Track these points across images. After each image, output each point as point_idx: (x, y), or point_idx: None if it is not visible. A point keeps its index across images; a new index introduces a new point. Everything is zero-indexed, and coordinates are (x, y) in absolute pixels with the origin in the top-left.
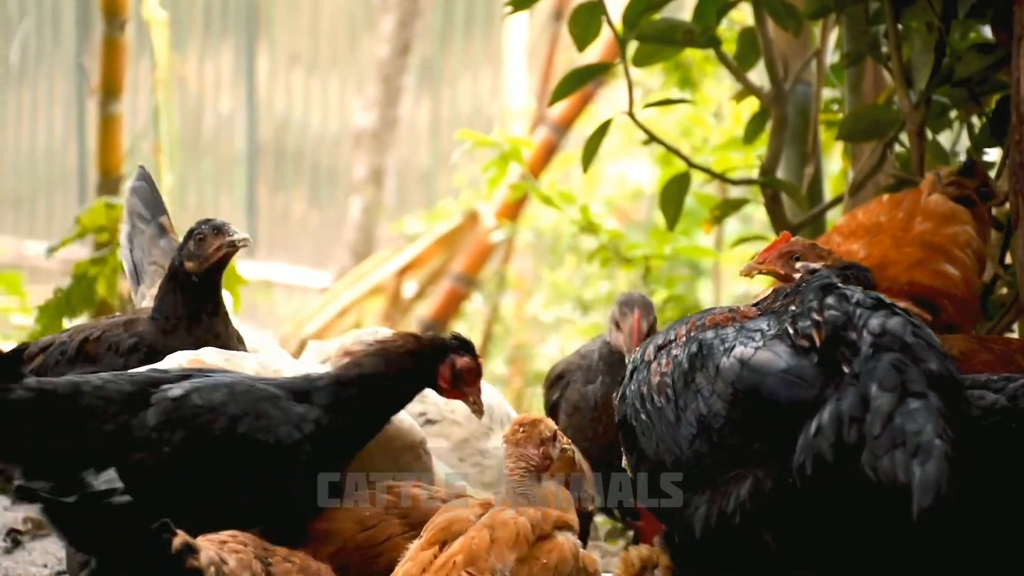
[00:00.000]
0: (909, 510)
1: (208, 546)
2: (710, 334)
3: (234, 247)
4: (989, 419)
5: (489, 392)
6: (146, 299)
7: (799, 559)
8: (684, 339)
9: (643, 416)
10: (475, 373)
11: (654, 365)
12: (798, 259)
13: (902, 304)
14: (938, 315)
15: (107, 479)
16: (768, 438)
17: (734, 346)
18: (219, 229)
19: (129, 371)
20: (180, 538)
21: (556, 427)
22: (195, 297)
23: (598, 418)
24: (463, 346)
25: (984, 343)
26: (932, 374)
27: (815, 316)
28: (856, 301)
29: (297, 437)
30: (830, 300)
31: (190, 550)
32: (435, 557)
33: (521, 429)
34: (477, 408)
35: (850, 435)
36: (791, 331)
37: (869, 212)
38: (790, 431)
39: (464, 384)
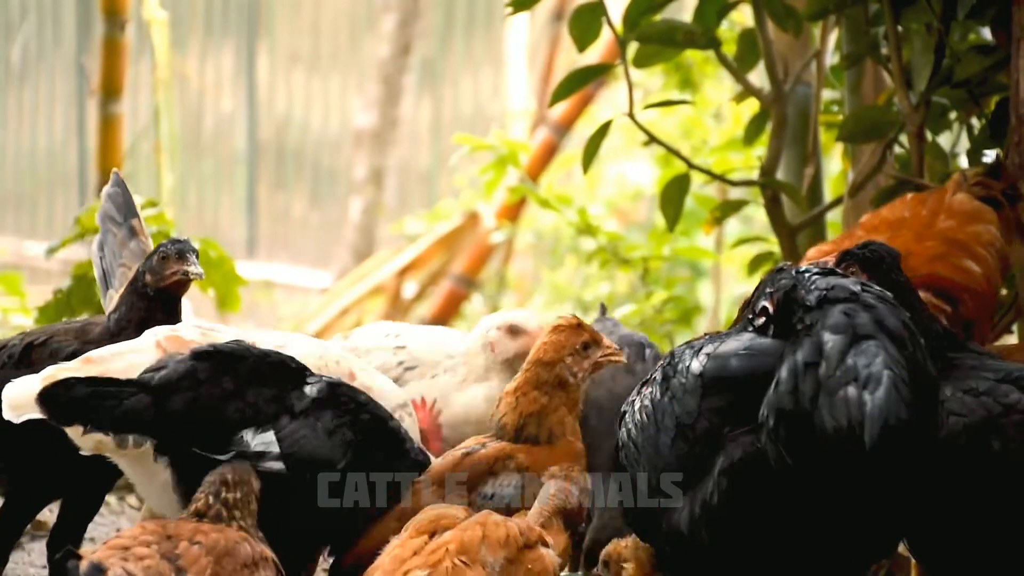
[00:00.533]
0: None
1: (114, 562)
2: (682, 347)
3: (187, 277)
4: (1011, 416)
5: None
6: (114, 301)
7: (781, 532)
8: (662, 363)
9: (632, 447)
10: None
11: (637, 400)
12: None
13: (920, 293)
14: (956, 308)
15: (264, 441)
16: (738, 418)
17: (703, 347)
18: (181, 255)
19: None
20: (85, 561)
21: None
22: (149, 307)
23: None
24: None
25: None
26: (882, 321)
27: (767, 290)
28: (804, 269)
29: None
30: (780, 275)
31: (97, 570)
32: (424, 544)
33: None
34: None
35: (806, 382)
36: (750, 317)
37: (893, 208)
38: (758, 404)
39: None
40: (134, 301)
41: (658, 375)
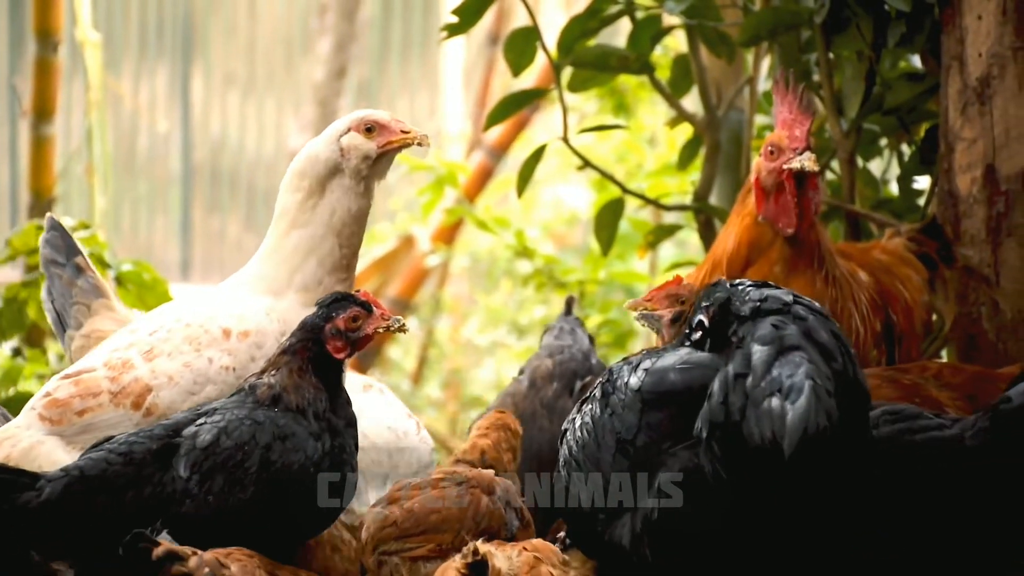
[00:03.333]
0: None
1: (206, 554)
2: (619, 364)
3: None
4: None
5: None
6: (75, 340)
7: (722, 544)
8: (601, 380)
9: (575, 466)
10: (358, 313)
11: (578, 418)
12: (682, 302)
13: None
14: (892, 320)
15: (161, 538)
16: (677, 433)
17: (641, 362)
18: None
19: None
20: (163, 547)
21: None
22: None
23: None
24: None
25: (898, 373)
26: (810, 332)
27: (703, 303)
28: (739, 282)
29: (321, 450)
30: (715, 289)
31: (175, 558)
32: None
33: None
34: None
35: (735, 393)
36: (687, 331)
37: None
38: (695, 415)
39: (361, 331)
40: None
41: (597, 392)
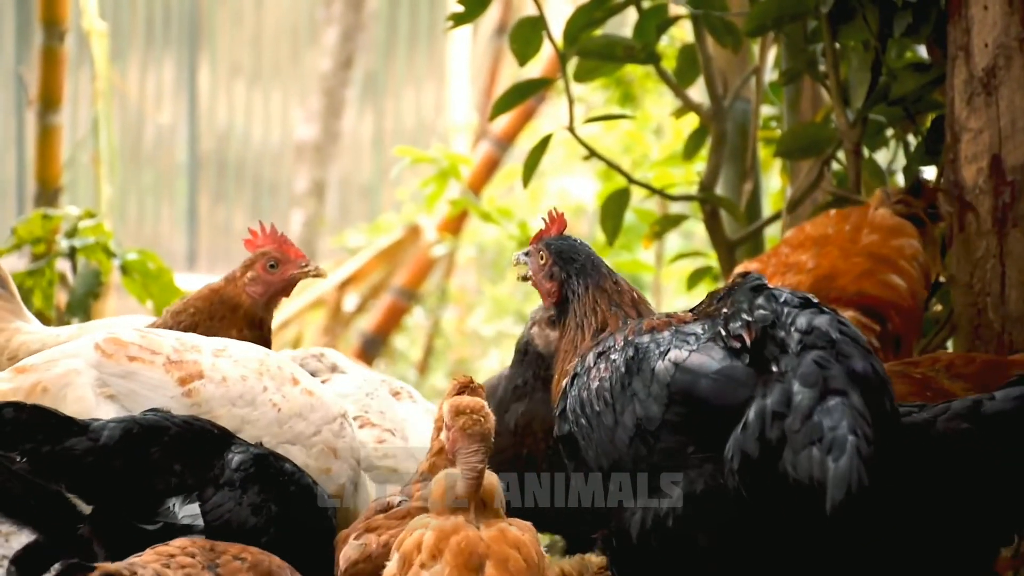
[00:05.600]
0: (823, 505)
1: (147, 569)
2: (646, 338)
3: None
4: None
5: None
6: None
7: (732, 560)
8: (622, 343)
9: (583, 421)
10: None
11: (593, 371)
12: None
13: (849, 314)
14: (885, 325)
15: (190, 512)
16: (702, 439)
17: (669, 349)
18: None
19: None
20: (98, 571)
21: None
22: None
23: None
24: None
25: (908, 367)
26: (855, 372)
27: (745, 316)
28: (784, 300)
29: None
30: (759, 300)
31: None
32: None
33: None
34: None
35: (773, 431)
36: (723, 332)
37: (817, 224)
38: (723, 432)
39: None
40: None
41: (620, 362)
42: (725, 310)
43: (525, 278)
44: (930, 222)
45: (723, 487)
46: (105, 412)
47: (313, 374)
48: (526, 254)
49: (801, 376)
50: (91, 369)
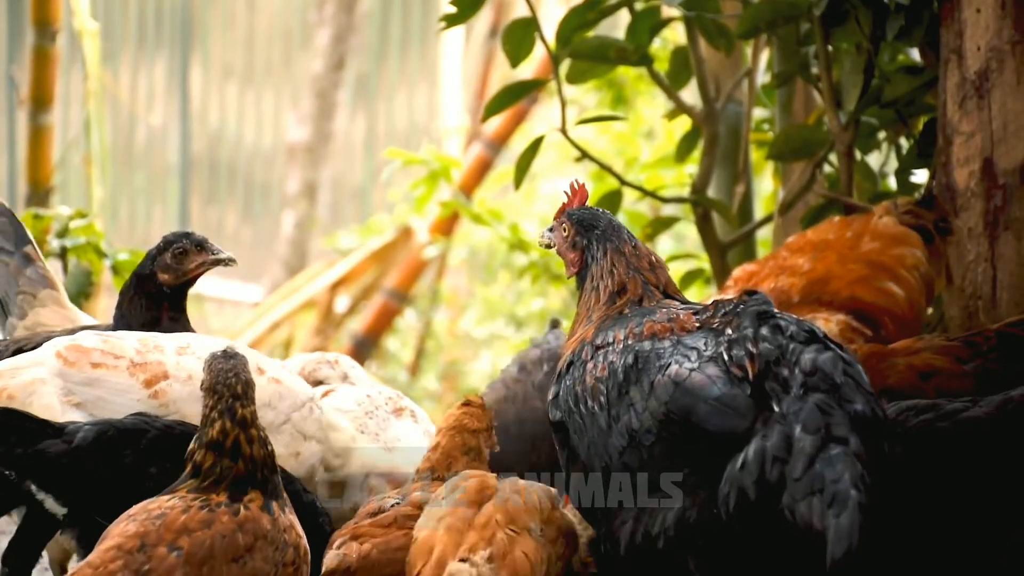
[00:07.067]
0: (823, 554)
1: None
2: (647, 345)
3: (219, 264)
4: None
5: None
6: (17, 330)
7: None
8: (621, 345)
9: (576, 416)
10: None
11: (589, 365)
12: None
13: (839, 317)
14: (878, 331)
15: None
16: (697, 464)
17: (669, 364)
18: (201, 245)
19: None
20: None
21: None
22: (157, 304)
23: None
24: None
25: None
26: (856, 416)
27: (749, 347)
28: (790, 334)
29: None
30: (764, 331)
31: None
32: (474, 516)
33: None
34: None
35: (772, 474)
36: (726, 357)
37: (819, 231)
38: (719, 459)
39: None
40: (142, 303)
41: (618, 367)
42: (729, 331)
43: (548, 246)
44: (939, 236)
45: (716, 517)
46: (72, 420)
47: (323, 380)
48: (550, 230)
49: (803, 421)
50: (55, 378)
